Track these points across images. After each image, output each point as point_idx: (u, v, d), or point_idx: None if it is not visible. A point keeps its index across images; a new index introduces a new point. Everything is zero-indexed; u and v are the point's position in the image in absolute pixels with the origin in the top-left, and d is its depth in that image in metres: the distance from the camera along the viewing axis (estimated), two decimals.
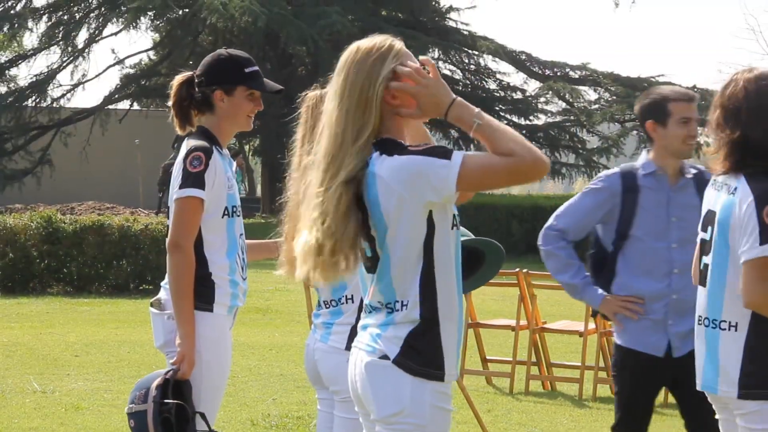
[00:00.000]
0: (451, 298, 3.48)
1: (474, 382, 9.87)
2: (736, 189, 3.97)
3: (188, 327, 4.62)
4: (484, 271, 4.66)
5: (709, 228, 4.09)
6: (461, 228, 3.79)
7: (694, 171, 5.35)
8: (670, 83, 32.11)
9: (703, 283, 4.13)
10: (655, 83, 31.51)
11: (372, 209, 3.42)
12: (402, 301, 3.46)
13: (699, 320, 4.12)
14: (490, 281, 5.09)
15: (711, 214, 4.10)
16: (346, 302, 4.13)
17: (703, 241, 4.13)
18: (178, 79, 4.78)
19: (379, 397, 3.49)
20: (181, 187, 4.66)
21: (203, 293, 4.69)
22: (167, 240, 4.74)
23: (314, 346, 4.22)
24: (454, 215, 3.48)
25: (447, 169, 3.33)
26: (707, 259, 4.07)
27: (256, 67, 4.84)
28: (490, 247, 4.59)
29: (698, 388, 4.19)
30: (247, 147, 43.74)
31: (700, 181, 5.30)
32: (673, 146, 5.26)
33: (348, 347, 4.02)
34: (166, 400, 4.57)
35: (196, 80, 4.78)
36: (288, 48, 30.28)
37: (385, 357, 3.48)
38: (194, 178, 4.64)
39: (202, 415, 4.65)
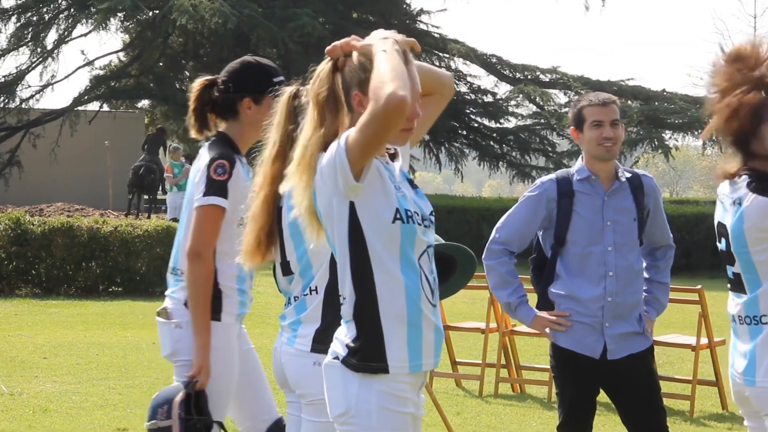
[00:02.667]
0: (395, 291, 3.49)
1: (443, 384, 9.88)
2: (741, 198, 4.08)
3: (205, 337, 4.62)
4: (456, 279, 4.65)
5: (723, 240, 4.19)
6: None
7: (628, 174, 5.43)
8: (639, 87, 32.29)
9: (735, 289, 4.21)
10: (625, 86, 31.68)
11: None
12: (343, 295, 3.54)
13: (740, 320, 4.18)
14: None
15: (721, 226, 4.20)
16: (310, 293, 4.10)
17: (720, 251, 4.24)
18: (200, 82, 4.72)
19: (330, 398, 3.56)
20: (204, 195, 4.63)
21: (211, 303, 4.68)
22: (187, 248, 4.70)
23: (281, 350, 4.21)
24: (398, 209, 3.50)
25: (338, 146, 3.44)
26: (735, 269, 4.17)
27: (282, 77, 4.80)
28: (461, 253, 4.59)
29: (735, 384, 4.24)
30: None
31: (635, 184, 5.39)
32: (590, 149, 5.37)
33: (313, 350, 4.02)
34: (190, 416, 4.57)
35: (221, 85, 4.74)
36: (258, 50, 30.18)
37: (336, 357, 3.54)
38: (218, 187, 4.62)
39: (220, 425, 4.67)
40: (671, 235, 5.59)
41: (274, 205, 4.07)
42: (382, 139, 3.40)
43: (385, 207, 3.50)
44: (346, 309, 3.53)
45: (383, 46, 3.47)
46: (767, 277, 4.07)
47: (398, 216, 3.50)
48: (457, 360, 10.10)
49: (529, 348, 11.24)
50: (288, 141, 4.05)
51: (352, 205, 3.49)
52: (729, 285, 4.25)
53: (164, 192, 25.50)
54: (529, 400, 9.38)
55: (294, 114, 4.07)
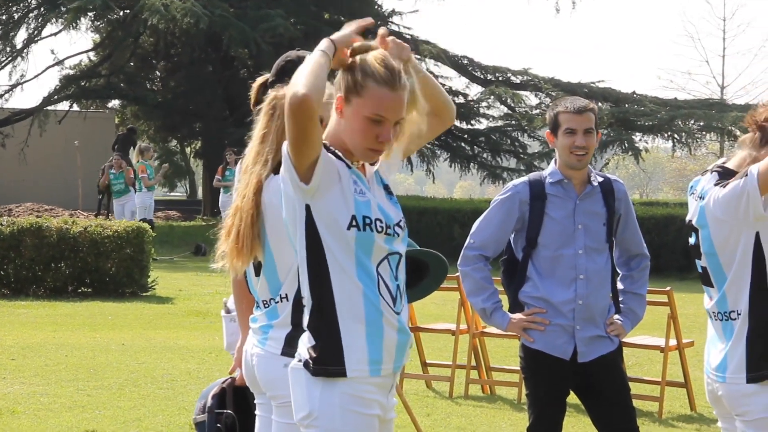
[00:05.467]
0: (353, 295, 3.51)
1: (414, 386, 9.88)
2: (704, 193, 4.18)
3: (246, 334, 4.60)
4: (428, 282, 4.69)
5: (693, 234, 4.27)
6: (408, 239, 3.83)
7: (600, 179, 5.44)
8: (609, 89, 32.41)
9: (705, 283, 4.30)
10: (595, 88, 31.79)
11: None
12: (306, 297, 3.57)
13: (714, 316, 4.26)
14: None
15: (690, 222, 4.29)
16: (281, 301, 4.10)
17: (690, 245, 4.33)
18: (259, 81, 4.64)
19: (295, 400, 3.60)
20: None
21: None
22: None
23: (251, 351, 4.20)
24: (354, 216, 3.51)
25: (284, 150, 3.51)
26: (702, 263, 4.26)
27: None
28: (434, 259, 4.63)
29: (709, 382, 4.27)
30: (188, 149, 43.54)
31: (606, 189, 5.41)
32: (562, 156, 5.38)
33: (284, 352, 4.02)
34: (222, 410, 4.57)
35: (270, 85, 4.70)
36: (230, 50, 30.17)
37: (301, 360, 3.57)
38: None
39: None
40: (644, 245, 5.59)
41: (261, 205, 4.07)
42: (302, 138, 3.43)
43: (342, 212, 3.51)
44: (305, 314, 3.55)
45: (318, 47, 3.55)
46: (731, 272, 4.12)
47: (354, 223, 3.50)
48: (428, 361, 10.11)
49: (500, 349, 11.26)
50: (278, 147, 4.06)
51: (308, 208, 3.51)
52: (701, 280, 4.31)
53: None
54: (500, 402, 9.39)
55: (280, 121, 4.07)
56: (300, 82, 3.39)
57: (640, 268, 5.56)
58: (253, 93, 4.45)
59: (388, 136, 3.54)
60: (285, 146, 3.50)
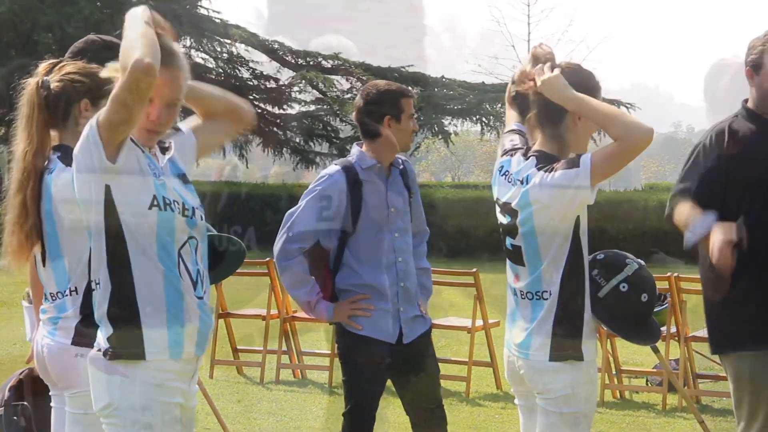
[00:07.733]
0: (153, 277, 3.46)
1: (224, 372, 9.83)
2: (527, 179, 4.17)
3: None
4: (224, 267, 4.67)
5: (508, 215, 4.26)
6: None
7: (401, 161, 5.50)
8: (419, 73, 32.79)
9: (514, 261, 4.29)
10: (406, 73, 32.11)
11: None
12: (96, 280, 3.49)
13: (522, 294, 4.25)
14: (241, 271, 5.18)
15: (507, 204, 4.27)
16: (71, 294, 4.01)
17: (501, 224, 4.31)
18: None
19: (94, 391, 3.53)
20: None
21: None
22: None
23: (42, 342, 4.10)
24: (155, 195, 3.47)
25: (89, 127, 3.44)
26: (515, 242, 4.24)
27: None
28: (230, 243, 4.60)
29: (509, 360, 4.33)
30: None
31: (405, 172, 5.50)
32: (403, 141, 5.41)
33: (75, 342, 3.94)
34: (19, 402, 4.44)
35: None
36: (33, 35, 29.36)
37: (100, 350, 3.50)
38: None
39: None
40: (425, 220, 5.71)
41: (40, 200, 3.97)
42: (131, 110, 3.35)
43: (143, 192, 3.46)
44: (101, 297, 3.47)
45: (131, 13, 3.49)
46: (549, 254, 4.18)
47: (155, 203, 3.46)
48: (239, 347, 10.07)
49: (311, 334, 11.28)
50: (45, 133, 3.96)
51: (107, 188, 3.43)
52: (508, 257, 4.33)
53: None
54: (311, 386, 9.41)
55: (46, 104, 3.98)
56: (141, 51, 3.30)
57: (422, 243, 5.69)
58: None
59: (156, 115, 3.52)
60: (94, 121, 3.40)
